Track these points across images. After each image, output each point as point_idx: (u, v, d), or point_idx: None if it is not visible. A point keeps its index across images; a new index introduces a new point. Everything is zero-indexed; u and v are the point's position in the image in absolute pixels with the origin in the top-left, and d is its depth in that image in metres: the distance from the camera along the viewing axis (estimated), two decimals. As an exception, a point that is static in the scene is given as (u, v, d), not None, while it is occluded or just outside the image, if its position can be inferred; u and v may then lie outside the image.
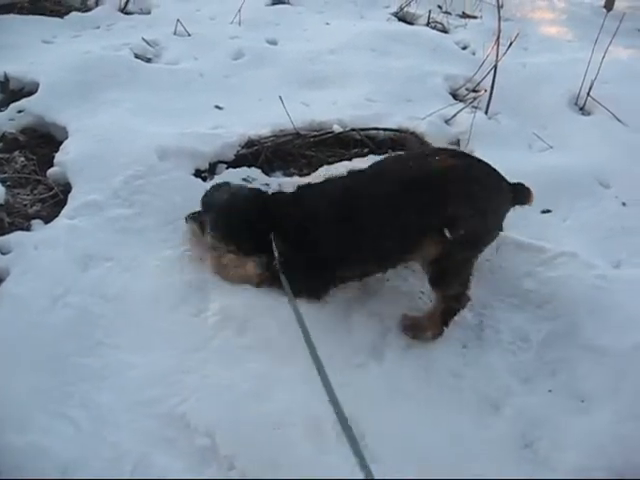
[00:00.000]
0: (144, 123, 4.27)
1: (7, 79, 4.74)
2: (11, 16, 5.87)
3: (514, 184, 3.29)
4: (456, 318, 3.21)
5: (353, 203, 3.08)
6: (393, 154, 3.29)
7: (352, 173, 3.23)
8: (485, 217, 3.12)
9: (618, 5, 6.87)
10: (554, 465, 2.72)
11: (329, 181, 3.28)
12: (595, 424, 2.85)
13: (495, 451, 2.75)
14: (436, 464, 2.63)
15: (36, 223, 3.53)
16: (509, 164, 4.19)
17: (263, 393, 2.75)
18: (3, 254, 3.25)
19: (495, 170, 3.24)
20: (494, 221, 3.21)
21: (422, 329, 3.15)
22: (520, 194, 3.31)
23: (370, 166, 3.28)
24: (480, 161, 3.27)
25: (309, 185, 3.34)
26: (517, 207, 3.85)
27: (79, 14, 6.09)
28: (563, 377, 3.06)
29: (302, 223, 3.13)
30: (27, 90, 4.68)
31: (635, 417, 2.87)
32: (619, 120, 4.86)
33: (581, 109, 5.06)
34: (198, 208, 3.63)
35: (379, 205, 3.02)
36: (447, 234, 2.96)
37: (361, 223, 3.04)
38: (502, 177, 3.24)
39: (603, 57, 4.89)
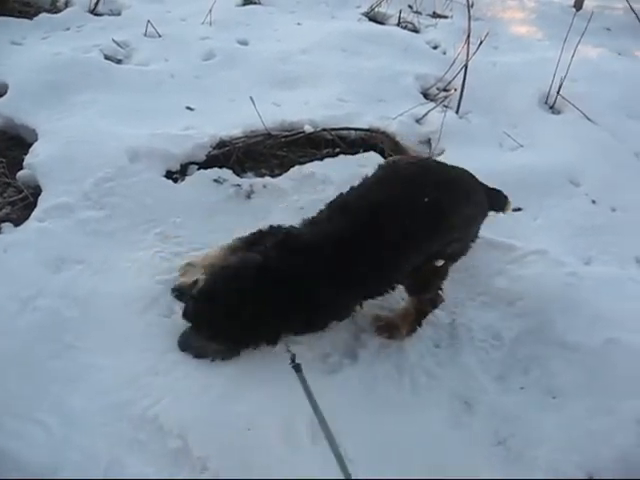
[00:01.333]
0: (115, 124, 4.23)
1: (-25, 81, 4.67)
2: (-22, 17, 5.78)
3: (492, 190, 3.31)
4: (429, 317, 3.24)
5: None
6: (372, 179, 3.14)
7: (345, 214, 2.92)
8: (472, 233, 3.22)
9: (587, 4, 6.92)
10: (527, 461, 2.75)
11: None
12: (567, 420, 2.89)
13: (469, 449, 2.78)
14: (411, 463, 2.64)
15: (5, 226, 3.48)
16: (480, 163, 4.24)
17: (236, 394, 2.74)
18: (-28, 256, 3.20)
19: (478, 181, 3.26)
20: (476, 233, 3.26)
21: (396, 329, 3.15)
22: (498, 201, 3.34)
23: (360, 198, 2.99)
24: (466, 172, 3.27)
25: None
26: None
27: (48, 15, 5.99)
28: (535, 374, 3.09)
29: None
30: (-4, 92, 4.61)
31: (606, 412, 2.92)
32: (589, 119, 4.91)
33: (551, 108, 5.11)
34: (170, 209, 3.63)
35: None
36: (438, 262, 3.06)
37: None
38: (483, 187, 3.26)
39: (572, 56, 4.94)
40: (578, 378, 3.05)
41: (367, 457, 2.59)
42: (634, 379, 3.03)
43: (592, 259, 3.74)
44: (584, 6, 6.88)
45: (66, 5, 6.26)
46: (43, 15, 5.96)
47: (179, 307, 3.06)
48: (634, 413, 2.90)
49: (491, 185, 4.10)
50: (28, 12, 6.04)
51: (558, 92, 5.02)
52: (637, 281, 3.61)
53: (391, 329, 3.14)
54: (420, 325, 3.19)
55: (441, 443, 2.75)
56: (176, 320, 3.03)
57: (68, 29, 5.82)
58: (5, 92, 4.52)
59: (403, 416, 2.80)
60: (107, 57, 5.23)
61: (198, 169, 4.03)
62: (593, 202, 4.17)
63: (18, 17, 5.88)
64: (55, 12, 6.13)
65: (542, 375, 3.08)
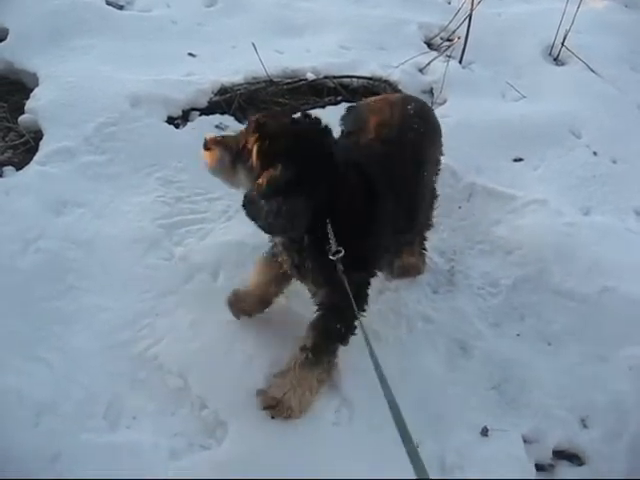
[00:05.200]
0: (116, 70, 4.21)
1: (-26, 26, 4.64)
2: (-23, -39, 5.72)
3: None
4: (428, 264, 3.27)
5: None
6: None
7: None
8: None
9: (595, -44, 6.82)
10: (520, 405, 2.80)
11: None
12: (561, 366, 2.95)
13: (464, 392, 2.83)
14: (404, 400, 2.68)
15: (7, 170, 3.50)
16: (482, 112, 4.26)
17: (234, 334, 2.80)
18: (-27, 199, 3.23)
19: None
20: None
21: (416, 269, 3.24)
22: None
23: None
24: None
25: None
26: (489, 155, 3.93)
27: (49, -41, 5.93)
28: (531, 321, 3.14)
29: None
30: (-4, 37, 4.58)
31: (599, 359, 2.98)
32: (592, 70, 4.87)
33: (555, 59, 5.06)
34: (171, 154, 3.63)
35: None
36: None
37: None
38: None
39: (578, 7, 4.87)
40: (573, 325, 3.10)
41: (359, 391, 2.66)
42: (628, 327, 3.09)
43: (591, 210, 3.76)
44: (592, -44, 6.76)
45: (68, -51, 6.16)
46: (44, -41, 5.88)
47: (178, 251, 3.11)
48: (627, 360, 2.96)
49: (493, 136, 4.14)
50: (29, -44, 5.95)
51: (562, 43, 4.97)
52: (635, 232, 3.64)
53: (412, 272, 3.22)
54: (426, 249, 3.24)
55: (435, 383, 2.81)
56: (176, 264, 3.07)
57: (70, -27, 5.74)
58: (5, 37, 4.47)
59: (398, 354, 2.85)
60: (109, 3, 5.16)
61: (200, 115, 4.03)
62: (594, 153, 4.16)
63: (18, -39, 5.80)
64: (56, -44, 6.04)
65: (538, 322, 3.12)
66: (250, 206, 2.33)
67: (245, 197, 2.35)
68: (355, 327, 2.56)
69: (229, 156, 2.44)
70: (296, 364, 2.60)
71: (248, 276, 2.90)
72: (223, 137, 2.51)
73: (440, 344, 2.98)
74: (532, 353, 3.00)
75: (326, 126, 2.43)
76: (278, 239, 2.59)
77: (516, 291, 3.25)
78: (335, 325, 2.57)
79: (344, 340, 2.62)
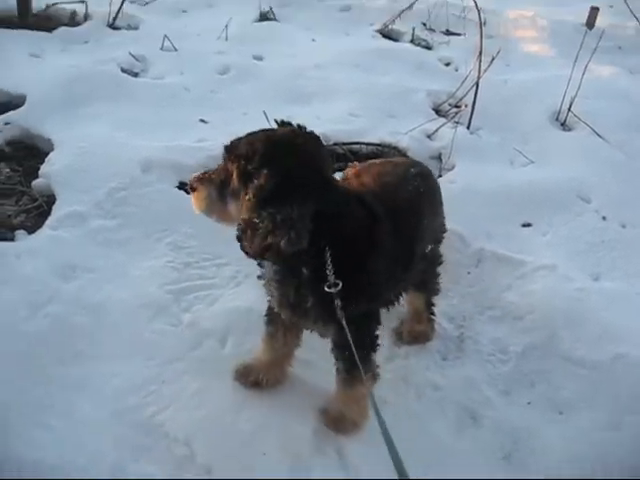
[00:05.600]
0: (129, 136, 4.30)
1: (-6, 92, 4.76)
2: (0, 30, 5.89)
3: None
4: (437, 330, 3.26)
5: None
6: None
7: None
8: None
9: (599, 23, 6.96)
10: (531, 474, 2.74)
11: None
12: (572, 433, 2.88)
13: (474, 462, 2.76)
14: (414, 474, 2.64)
15: (20, 233, 3.53)
16: (490, 178, 4.29)
17: (241, 404, 2.76)
18: (-15, 264, 3.25)
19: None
20: None
21: (425, 336, 3.21)
22: None
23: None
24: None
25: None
26: (498, 220, 3.93)
27: (68, 29, 6.12)
28: (542, 388, 3.09)
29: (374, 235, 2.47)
30: (14, 103, 4.68)
31: (612, 426, 2.91)
32: (599, 136, 4.92)
33: (562, 125, 5.13)
34: (181, 220, 3.66)
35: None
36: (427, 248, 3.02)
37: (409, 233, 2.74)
38: None
39: (583, 74, 4.96)
40: (585, 392, 3.04)
41: (371, 465, 2.59)
42: (640, 394, 3.03)
43: (601, 275, 3.74)
44: (596, 24, 6.91)
45: (85, 19, 6.38)
46: (62, 28, 6.09)
47: (187, 318, 3.12)
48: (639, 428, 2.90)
49: (502, 201, 4.16)
50: (48, 25, 6.16)
51: (569, 109, 5.05)
52: (645, 297, 3.61)
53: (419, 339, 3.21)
54: (435, 315, 3.22)
55: (445, 452, 2.75)
56: (183, 330, 3.07)
57: (86, 42, 5.94)
58: (23, 103, 4.60)
59: (406, 422, 2.79)
60: (124, 70, 5.32)
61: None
62: (603, 218, 4.17)
63: (38, 30, 6.00)
64: (74, 26, 6.26)
65: (548, 389, 3.07)
66: (245, 234, 2.21)
67: (237, 227, 2.26)
68: (377, 336, 2.60)
69: (215, 189, 2.36)
70: (341, 385, 2.63)
71: (256, 346, 2.89)
72: (205, 173, 2.42)
73: (449, 412, 2.93)
74: (543, 421, 2.94)
75: (305, 129, 2.35)
76: (270, 274, 2.50)
77: (526, 358, 3.21)
78: (360, 354, 2.39)
79: (372, 350, 2.63)
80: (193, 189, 2.43)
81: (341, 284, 2.28)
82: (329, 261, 2.28)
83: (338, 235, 2.30)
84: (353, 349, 2.28)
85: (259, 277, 2.61)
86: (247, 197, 2.19)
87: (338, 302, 2.29)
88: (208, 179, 2.38)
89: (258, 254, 2.24)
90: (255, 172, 2.18)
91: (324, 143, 2.42)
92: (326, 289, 2.28)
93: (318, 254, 2.28)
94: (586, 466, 2.75)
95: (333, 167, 2.48)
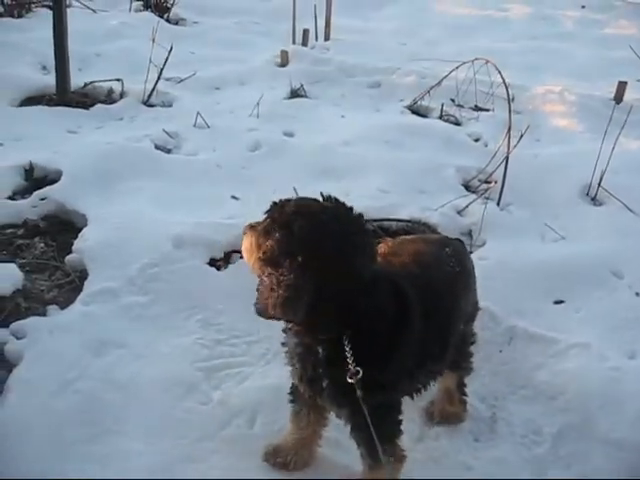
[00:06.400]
0: (162, 212, 4.37)
1: (32, 167, 4.87)
2: (39, 107, 6.09)
3: None
4: (469, 410, 3.19)
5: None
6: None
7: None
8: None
9: (627, 98, 7.00)
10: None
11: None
12: (612, 520, 2.79)
13: None
14: None
15: (52, 308, 3.58)
16: (521, 255, 4.27)
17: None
18: (18, 339, 3.29)
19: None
20: None
21: (457, 417, 3.17)
22: None
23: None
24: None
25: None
26: (530, 297, 3.90)
27: (104, 106, 6.30)
28: (578, 471, 3.00)
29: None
30: (50, 178, 4.80)
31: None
32: (631, 210, 4.90)
33: (593, 199, 5.11)
34: (212, 296, 3.68)
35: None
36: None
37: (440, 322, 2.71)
38: None
39: (613, 148, 4.96)
40: (622, 476, 2.95)
41: None
42: (681, 479, 2.93)
43: (636, 353, 3.66)
44: (624, 99, 6.95)
45: (121, 96, 6.56)
46: (99, 106, 6.27)
47: (216, 395, 3.09)
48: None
49: (533, 277, 4.11)
50: (85, 103, 6.35)
51: (599, 184, 5.03)
52: (683, 376, 3.51)
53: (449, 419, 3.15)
54: (467, 395, 3.16)
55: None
56: (214, 408, 3.05)
57: (121, 119, 6.10)
58: (59, 178, 4.70)
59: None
60: (157, 147, 5.43)
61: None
62: (637, 294, 4.11)
63: (76, 107, 6.19)
64: (110, 103, 6.44)
65: (585, 472, 2.98)
66: (257, 290, 2.29)
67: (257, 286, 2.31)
68: (400, 422, 2.55)
69: (255, 240, 2.40)
70: (367, 469, 2.59)
71: (285, 425, 2.86)
72: (257, 222, 2.47)
73: (483, 495, 2.87)
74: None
75: (342, 203, 2.37)
76: (292, 346, 2.52)
77: (561, 439, 3.13)
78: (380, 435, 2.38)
79: (394, 437, 2.57)
80: (244, 234, 2.49)
81: (361, 373, 2.28)
82: (348, 348, 2.29)
83: (361, 320, 2.31)
84: (374, 437, 2.26)
85: (283, 344, 2.61)
86: (259, 253, 2.29)
87: (359, 392, 2.27)
88: (254, 228, 2.43)
89: (260, 312, 2.29)
90: (272, 232, 2.26)
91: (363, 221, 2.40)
92: (348, 379, 2.28)
93: (337, 338, 2.30)
94: None
95: (372, 246, 2.42)
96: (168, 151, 5.47)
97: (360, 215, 2.39)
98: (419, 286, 2.56)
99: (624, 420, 3.18)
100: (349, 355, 2.29)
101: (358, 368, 2.28)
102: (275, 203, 2.40)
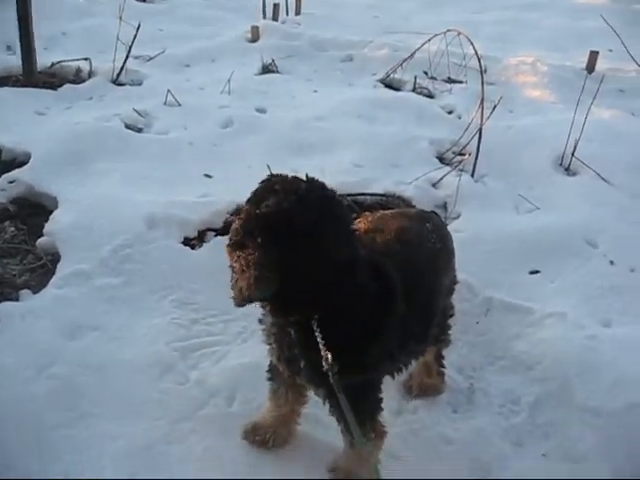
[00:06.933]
0: (133, 192, 4.31)
1: (0, 150, 4.80)
2: (5, 89, 5.98)
3: None
4: (447, 382, 3.20)
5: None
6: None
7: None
8: None
9: (599, 67, 7.03)
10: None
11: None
12: (590, 487, 2.81)
13: (490, 519, 2.70)
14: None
15: (24, 293, 3.53)
16: (496, 226, 4.27)
17: (251, 463, 2.71)
18: (-10, 325, 3.23)
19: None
20: None
21: (435, 390, 3.17)
22: None
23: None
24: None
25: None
26: (505, 268, 3.90)
27: (72, 86, 6.20)
28: (556, 440, 3.02)
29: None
30: (19, 161, 4.73)
31: (629, 477, 2.83)
32: (604, 179, 4.91)
33: (566, 169, 5.12)
34: (186, 276, 3.64)
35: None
36: None
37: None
38: None
39: (586, 118, 4.97)
40: (600, 443, 2.97)
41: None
42: (658, 444, 2.96)
43: (612, 321, 3.69)
44: (596, 69, 6.97)
45: (89, 76, 6.47)
46: (67, 86, 6.18)
47: (194, 375, 3.08)
48: (659, 479, 2.83)
49: (508, 248, 4.12)
50: (53, 83, 6.26)
51: (573, 154, 5.04)
52: (659, 343, 3.55)
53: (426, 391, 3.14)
54: (445, 367, 3.17)
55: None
56: (191, 388, 3.03)
57: (91, 99, 6.02)
58: (28, 161, 4.63)
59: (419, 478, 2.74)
60: (127, 126, 5.36)
61: (215, 235, 4.06)
62: (611, 263, 4.13)
63: (43, 88, 6.08)
64: (78, 82, 6.35)
65: (563, 441, 3.00)
66: (232, 280, 2.21)
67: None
68: (380, 400, 2.54)
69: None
70: (348, 445, 2.58)
71: (264, 403, 2.84)
72: None
73: (462, 466, 2.86)
74: (559, 474, 2.87)
75: (316, 180, 2.30)
76: (268, 325, 2.50)
77: (539, 408, 3.15)
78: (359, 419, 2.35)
79: (374, 414, 2.56)
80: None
81: (330, 359, 2.24)
82: (317, 331, 2.25)
83: (338, 301, 2.26)
84: (350, 417, 2.24)
85: (260, 321, 2.58)
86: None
87: (333, 375, 2.25)
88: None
89: (237, 301, 2.20)
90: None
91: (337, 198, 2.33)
92: (324, 364, 2.25)
93: (305, 319, 2.27)
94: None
95: (347, 223, 2.32)
96: (139, 130, 5.40)
97: (333, 191, 2.32)
98: (402, 266, 2.53)
99: (600, 388, 3.20)
100: (319, 339, 2.25)
101: (328, 353, 2.24)
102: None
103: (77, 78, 6.48)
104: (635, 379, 3.23)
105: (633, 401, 3.11)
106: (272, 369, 2.71)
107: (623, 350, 3.41)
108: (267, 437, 2.75)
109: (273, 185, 2.22)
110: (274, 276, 2.12)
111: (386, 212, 3.07)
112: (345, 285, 2.23)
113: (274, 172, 3.92)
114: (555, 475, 2.86)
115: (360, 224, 2.79)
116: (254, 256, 2.12)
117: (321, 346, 2.25)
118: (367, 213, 3.01)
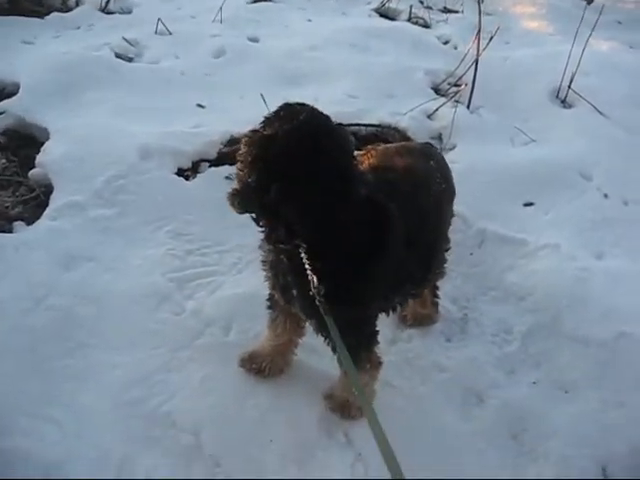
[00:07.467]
0: (125, 123, 4.25)
1: (-13, 81, 4.72)
2: (-9, 18, 5.84)
3: None
4: (441, 311, 3.25)
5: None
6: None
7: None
8: None
9: (598, -2, 6.93)
10: (539, 455, 2.74)
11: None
12: (579, 413, 2.88)
13: (480, 443, 2.76)
14: (420, 457, 2.64)
15: (18, 225, 3.51)
16: (491, 158, 4.26)
17: (248, 390, 2.76)
18: (-16, 258, 3.23)
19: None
20: None
21: (429, 320, 3.21)
22: None
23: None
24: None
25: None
26: (500, 200, 3.91)
27: (60, 14, 6.05)
28: (547, 368, 3.08)
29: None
30: (8, 91, 4.65)
31: (618, 405, 2.92)
32: (600, 112, 4.89)
33: (563, 102, 5.08)
34: (181, 207, 3.63)
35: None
36: None
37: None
38: None
39: (583, 50, 4.91)
40: (590, 372, 3.04)
41: (373, 446, 2.59)
42: (647, 372, 3.03)
43: (604, 253, 3.72)
44: (595, 0, 6.86)
45: (77, 4, 6.32)
46: (54, 14, 6.03)
47: (190, 305, 3.10)
48: (647, 406, 2.90)
49: (503, 181, 4.12)
50: (40, 12, 6.09)
51: (569, 86, 5.00)
52: (649, 274, 3.60)
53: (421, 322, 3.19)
54: (439, 298, 3.20)
55: (452, 434, 2.75)
56: (187, 318, 3.06)
57: (79, 28, 5.89)
58: (17, 91, 4.55)
59: (413, 405, 2.81)
60: (118, 55, 5.26)
61: (209, 166, 4.04)
62: (605, 196, 4.15)
63: (30, 16, 5.94)
64: (66, 11, 6.20)
65: (554, 369, 3.07)
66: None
67: None
68: (375, 333, 2.58)
69: None
70: (343, 374, 2.62)
71: (261, 332, 2.88)
72: None
73: (455, 394, 2.93)
74: (549, 401, 2.94)
75: (315, 109, 2.27)
76: (265, 253, 2.53)
77: (531, 338, 3.20)
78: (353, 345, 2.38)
79: (369, 346, 2.60)
80: None
81: (323, 290, 2.27)
82: (305, 259, 2.27)
83: (328, 232, 2.24)
84: (336, 342, 2.25)
85: (259, 247, 2.58)
86: None
87: (321, 303, 2.28)
88: None
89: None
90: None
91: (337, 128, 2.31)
92: (314, 291, 2.28)
93: (295, 248, 2.28)
94: (593, 447, 2.76)
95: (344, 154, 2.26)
96: (129, 60, 5.31)
97: (332, 122, 2.29)
98: (410, 210, 2.52)
99: (590, 318, 3.26)
100: (308, 267, 2.27)
101: (315, 277, 2.26)
102: None
103: (64, 6, 6.31)
104: (624, 310, 3.30)
105: (622, 331, 3.18)
106: (271, 298, 2.73)
107: (614, 282, 3.47)
108: (264, 365, 2.79)
109: (280, 112, 2.21)
110: (256, 195, 2.16)
111: (389, 146, 3.04)
112: (336, 217, 2.21)
113: (268, 102, 3.93)
114: (546, 402, 2.93)
115: (364, 159, 2.77)
116: (242, 173, 2.19)
117: (309, 271, 2.27)
118: (370, 147, 2.97)
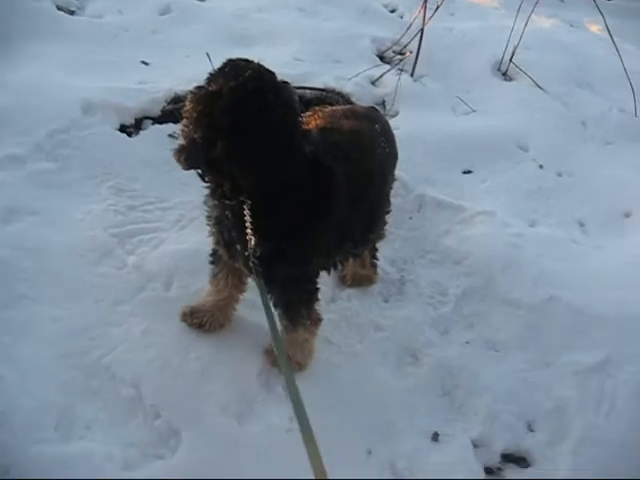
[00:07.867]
0: (68, 76, 4.15)
1: None
2: None
3: None
4: (379, 273, 3.32)
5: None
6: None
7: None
8: None
9: (542, -25, 7.02)
10: (469, 410, 2.88)
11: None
12: (508, 372, 3.04)
13: (415, 399, 2.89)
14: (357, 411, 2.73)
15: (-46, 178, 3.43)
16: (433, 126, 4.34)
17: (188, 343, 2.80)
18: None
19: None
20: None
21: (369, 280, 3.27)
22: None
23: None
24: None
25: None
26: (439, 167, 4.00)
27: (-2, -37, 5.85)
28: (480, 329, 3.23)
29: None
30: (-58, 41, 4.49)
31: (545, 365, 3.09)
32: (539, 86, 5.01)
33: (504, 75, 5.18)
34: (123, 163, 3.61)
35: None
36: None
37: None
38: None
39: (526, 25, 5.00)
40: (519, 333, 3.20)
41: (313, 405, 2.64)
42: (573, 334, 3.21)
43: (537, 221, 3.87)
44: (539, -23, 6.95)
45: (17, -47, 6.08)
46: (-7, -38, 5.80)
47: (131, 260, 3.11)
48: (572, 366, 3.07)
49: (443, 148, 4.21)
50: (-23, -41, 5.86)
51: (511, 60, 5.09)
52: (579, 243, 3.77)
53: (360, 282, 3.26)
54: (378, 260, 3.27)
55: (387, 390, 2.87)
56: (129, 273, 3.06)
57: (19, -23, 5.68)
58: (-49, 41, 4.41)
59: (350, 362, 2.91)
60: (59, 7, 5.10)
61: (153, 124, 4.00)
62: (540, 167, 4.29)
63: (-33, -37, 5.71)
64: (5, -40, 5.97)
65: (486, 330, 3.21)
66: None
67: None
68: (315, 290, 2.65)
69: None
70: (283, 330, 2.65)
71: (202, 288, 2.92)
72: None
73: (391, 352, 3.04)
74: (480, 360, 3.09)
75: (264, 67, 2.31)
76: (210, 208, 2.57)
77: (465, 300, 3.34)
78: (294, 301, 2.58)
79: (309, 303, 2.67)
80: None
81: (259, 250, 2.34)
82: (248, 216, 2.31)
83: (270, 189, 2.30)
84: (263, 300, 2.32)
85: (204, 202, 2.62)
86: None
87: (254, 262, 2.34)
88: None
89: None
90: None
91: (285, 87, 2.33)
92: (249, 251, 2.34)
93: (239, 204, 2.33)
94: (520, 404, 2.91)
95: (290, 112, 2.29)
96: (71, 12, 5.14)
97: (278, 80, 2.32)
98: (355, 172, 2.59)
99: (522, 282, 3.42)
100: (248, 224, 2.31)
101: (252, 238, 2.32)
102: None
103: (3, -46, 6.10)
104: (554, 275, 3.47)
105: (551, 295, 3.35)
106: (214, 253, 2.77)
107: (546, 248, 3.63)
108: (205, 320, 2.83)
109: (225, 68, 2.26)
110: (202, 150, 2.20)
111: (336, 108, 3.08)
112: (281, 173, 2.27)
113: (214, 61, 3.90)
114: (477, 360, 3.05)
115: (311, 119, 2.81)
116: (188, 129, 2.23)
117: (248, 230, 2.32)
118: (317, 108, 3.01)
